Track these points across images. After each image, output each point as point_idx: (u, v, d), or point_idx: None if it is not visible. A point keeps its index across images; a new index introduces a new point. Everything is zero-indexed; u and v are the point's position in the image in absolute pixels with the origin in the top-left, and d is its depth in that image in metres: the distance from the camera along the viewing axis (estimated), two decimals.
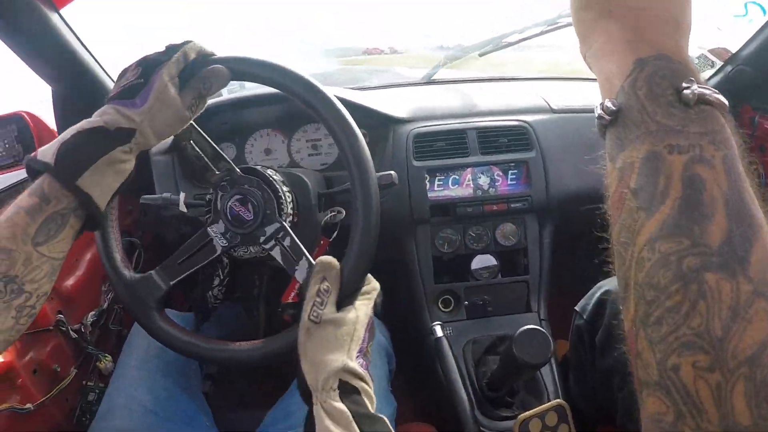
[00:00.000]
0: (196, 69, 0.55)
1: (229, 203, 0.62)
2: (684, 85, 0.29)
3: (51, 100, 0.91)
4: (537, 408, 0.73)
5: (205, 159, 0.65)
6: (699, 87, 0.29)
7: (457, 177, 0.96)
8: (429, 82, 1.22)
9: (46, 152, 0.48)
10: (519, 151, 0.97)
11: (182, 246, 0.63)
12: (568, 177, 0.99)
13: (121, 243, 0.63)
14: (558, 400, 0.75)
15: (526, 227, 0.98)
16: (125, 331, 0.93)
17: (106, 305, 0.97)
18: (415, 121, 0.99)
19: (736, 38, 1.15)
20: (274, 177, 0.66)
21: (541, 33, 1.07)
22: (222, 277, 0.88)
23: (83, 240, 0.59)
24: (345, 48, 2.47)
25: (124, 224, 1.07)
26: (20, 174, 0.94)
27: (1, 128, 0.93)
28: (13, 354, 0.78)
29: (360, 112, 0.95)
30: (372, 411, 0.45)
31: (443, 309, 0.98)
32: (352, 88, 1.15)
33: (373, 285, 0.53)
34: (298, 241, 0.61)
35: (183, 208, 0.72)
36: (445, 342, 0.91)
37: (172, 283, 0.62)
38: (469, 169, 0.96)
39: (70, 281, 0.91)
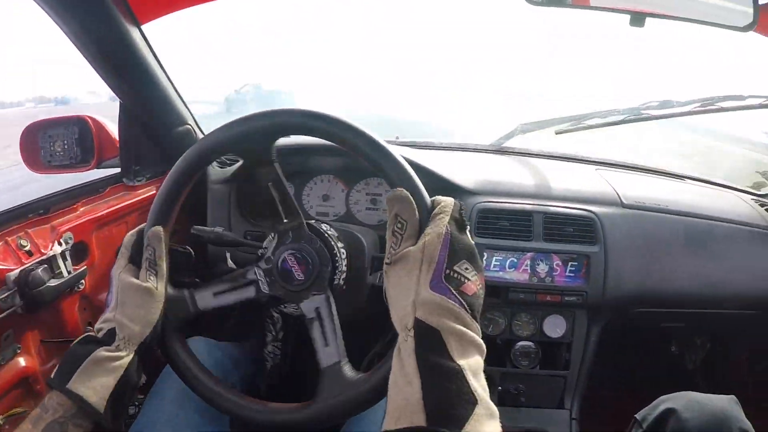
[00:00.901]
0: (139, 246, 0.58)
1: (284, 255, 0.59)
2: None
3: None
4: None
5: (279, 205, 0.62)
6: None
7: (515, 260, 0.92)
8: (499, 150, 1.19)
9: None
10: (583, 243, 0.94)
11: (224, 275, 0.61)
12: (627, 277, 0.95)
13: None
14: None
15: (575, 322, 0.95)
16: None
17: None
18: (481, 195, 0.95)
19: None
20: (334, 237, 0.63)
21: (622, 122, 1.03)
22: (275, 333, 0.86)
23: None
24: None
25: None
26: (77, 177, 0.93)
27: (63, 129, 0.92)
28: (36, 360, 0.77)
29: (426, 176, 0.93)
30: (455, 355, 0.40)
31: None
32: (419, 147, 1.12)
33: (444, 203, 0.48)
34: (337, 322, 0.58)
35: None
36: None
37: (201, 309, 0.60)
38: (529, 254, 0.92)
39: (104, 294, 0.90)
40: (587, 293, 0.93)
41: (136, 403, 0.86)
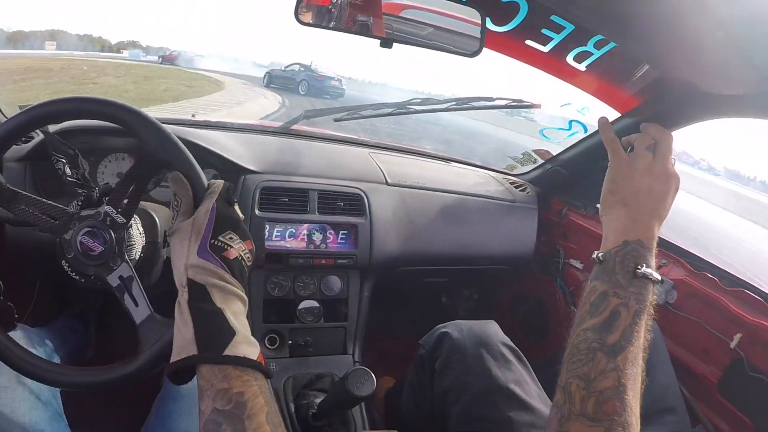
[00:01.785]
0: None
1: (80, 236, 0.60)
2: (640, 264, 0.53)
3: None
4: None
5: (73, 183, 0.65)
6: (647, 269, 0.53)
7: (293, 230, 1.09)
8: (287, 132, 1.35)
9: None
10: (352, 215, 1.13)
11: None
12: (390, 242, 1.16)
13: None
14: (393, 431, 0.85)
15: (349, 281, 1.14)
16: None
17: None
18: (264, 174, 1.10)
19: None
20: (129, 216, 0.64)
21: (390, 114, 1.25)
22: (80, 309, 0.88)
23: None
24: None
25: None
26: None
27: None
28: None
29: (216, 158, 1.05)
30: (217, 302, 0.49)
31: (269, 346, 1.08)
32: (212, 126, 1.23)
33: (216, 185, 0.56)
34: (141, 288, 0.60)
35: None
36: None
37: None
38: (305, 225, 1.09)
39: None
40: (357, 257, 1.12)
41: None
